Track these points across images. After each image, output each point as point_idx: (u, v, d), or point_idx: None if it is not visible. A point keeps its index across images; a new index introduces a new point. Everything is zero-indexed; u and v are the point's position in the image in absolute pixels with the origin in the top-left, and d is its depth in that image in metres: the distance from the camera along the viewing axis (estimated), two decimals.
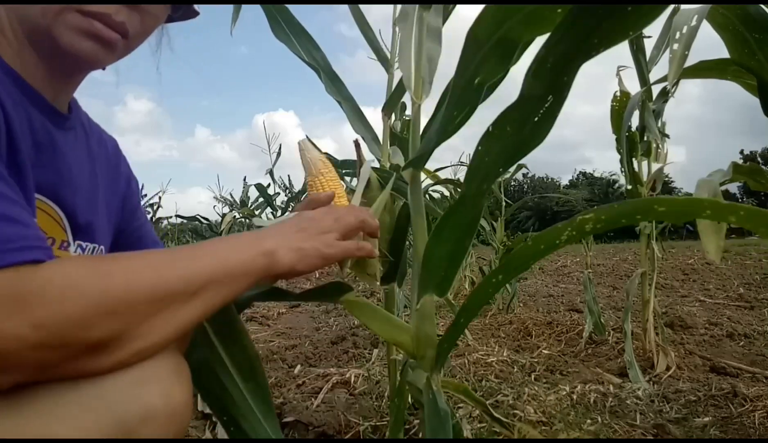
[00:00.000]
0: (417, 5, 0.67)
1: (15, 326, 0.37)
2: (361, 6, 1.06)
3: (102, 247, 0.67)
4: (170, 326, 0.45)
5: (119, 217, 0.75)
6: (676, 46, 0.68)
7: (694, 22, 0.69)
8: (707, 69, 0.98)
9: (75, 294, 0.40)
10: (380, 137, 1.05)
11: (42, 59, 0.56)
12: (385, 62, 1.05)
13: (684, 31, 0.68)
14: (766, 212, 0.35)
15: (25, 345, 0.37)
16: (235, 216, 5.46)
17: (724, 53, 0.86)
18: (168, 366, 0.47)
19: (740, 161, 0.97)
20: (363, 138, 1.02)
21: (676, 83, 1.65)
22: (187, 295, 0.45)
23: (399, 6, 0.73)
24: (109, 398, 0.43)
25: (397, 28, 0.96)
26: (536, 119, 0.43)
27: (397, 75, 1.02)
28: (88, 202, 0.64)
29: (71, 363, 0.41)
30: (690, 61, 0.95)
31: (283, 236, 0.53)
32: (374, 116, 1.06)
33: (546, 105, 0.42)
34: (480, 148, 0.48)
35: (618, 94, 1.65)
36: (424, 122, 0.78)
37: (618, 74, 1.69)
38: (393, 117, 1.43)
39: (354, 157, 0.87)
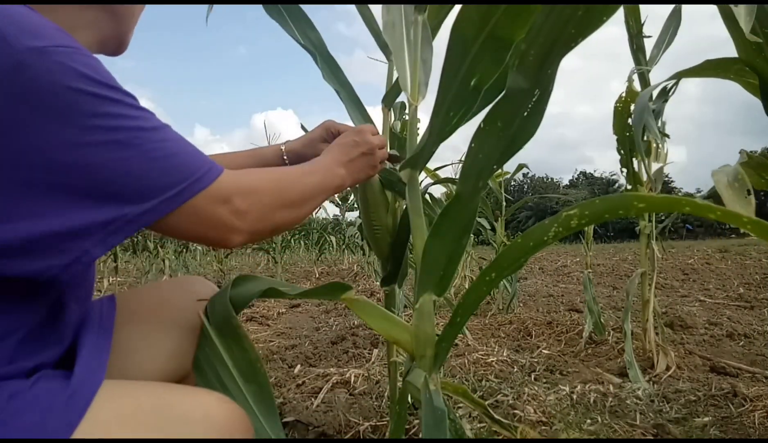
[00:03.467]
0: (413, 7, 0.67)
1: (227, 213, 0.57)
2: None
3: None
4: (307, 213, 0.69)
5: None
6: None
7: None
8: (711, 68, 0.98)
9: (265, 193, 0.61)
10: (380, 131, 1.01)
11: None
12: (386, 49, 0.98)
13: None
14: (740, 214, 0.37)
15: (233, 228, 0.58)
16: None
17: (723, 52, 0.86)
18: (242, 427, 0.56)
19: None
20: None
21: (676, 83, 1.65)
22: (311, 198, 0.69)
23: (385, 14, 0.71)
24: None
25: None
26: (525, 113, 0.44)
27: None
28: None
29: (261, 235, 0.63)
30: (692, 62, 0.95)
31: (350, 165, 0.76)
32: (373, 115, 1.04)
33: (534, 99, 0.43)
34: (473, 145, 0.48)
35: (623, 94, 1.64)
36: (424, 121, 0.78)
37: (630, 77, 1.67)
38: (393, 115, 1.42)
39: None
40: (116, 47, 0.67)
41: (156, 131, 0.53)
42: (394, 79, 0.95)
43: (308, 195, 0.68)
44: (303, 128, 1.11)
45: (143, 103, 0.54)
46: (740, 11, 0.68)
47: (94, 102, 0.48)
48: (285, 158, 0.90)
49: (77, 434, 0.47)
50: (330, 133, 0.89)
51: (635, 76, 1.58)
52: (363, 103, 0.98)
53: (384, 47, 0.97)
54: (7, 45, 0.44)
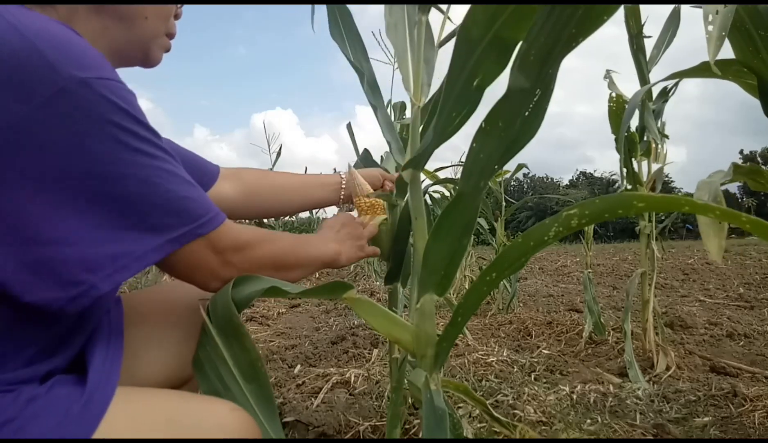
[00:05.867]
0: (416, 8, 0.67)
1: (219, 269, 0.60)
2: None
3: None
4: (294, 277, 0.70)
5: None
6: (711, 27, 0.69)
7: (727, 5, 0.70)
8: (708, 69, 0.98)
9: (257, 252, 0.64)
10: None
11: (115, 65, 0.65)
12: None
13: (717, 13, 0.69)
14: (739, 213, 0.37)
15: (217, 277, 0.61)
16: None
17: (722, 52, 0.86)
18: (255, 436, 0.58)
19: (740, 161, 0.97)
20: (389, 146, 1.00)
21: (676, 84, 1.65)
22: (300, 266, 0.71)
23: (387, 16, 0.71)
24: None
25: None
26: (527, 113, 0.44)
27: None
28: None
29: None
30: (692, 62, 0.95)
31: (341, 243, 0.80)
32: (368, 114, 1.04)
33: (535, 99, 0.43)
34: (474, 145, 0.48)
35: (613, 94, 1.65)
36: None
37: (606, 77, 1.68)
38: (393, 115, 1.42)
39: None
40: (142, 58, 0.67)
41: (173, 173, 0.55)
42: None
43: (301, 262, 0.71)
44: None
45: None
46: (712, 35, 0.68)
47: (127, 136, 0.50)
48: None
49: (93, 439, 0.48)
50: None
51: (631, 73, 1.59)
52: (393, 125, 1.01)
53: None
54: (53, 71, 0.45)
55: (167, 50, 0.71)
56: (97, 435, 0.48)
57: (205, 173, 0.92)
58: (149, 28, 0.66)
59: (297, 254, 0.70)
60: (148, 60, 0.68)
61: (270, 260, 0.66)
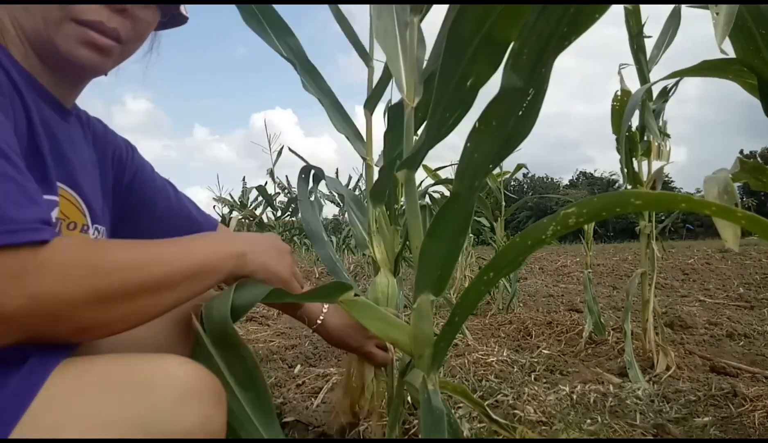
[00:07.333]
0: (408, 9, 0.67)
1: (13, 297, 0.42)
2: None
3: (104, 228, 0.72)
4: (147, 313, 0.52)
5: (115, 194, 0.80)
6: (717, 13, 0.70)
7: None
8: (709, 68, 0.98)
9: (71, 278, 0.45)
10: (364, 135, 0.99)
11: (47, 67, 0.61)
12: (365, 56, 0.97)
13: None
14: (735, 209, 0.37)
15: (19, 313, 0.42)
16: (240, 218, 5.46)
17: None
18: (210, 388, 0.53)
19: None
20: (346, 137, 0.97)
21: (676, 83, 1.65)
22: (167, 288, 0.52)
23: (375, 19, 0.70)
24: (156, 411, 0.48)
25: (376, 42, 0.89)
26: (520, 112, 0.44)
27: (377, 68, 0.95)
28: (94, 186, 0.70)
29: (56, 333, 0.46)
30: (692, 61, 0.95)
31: (255, 247, 0.64)
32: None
33: (528, 98, 0.43)
34: (468, 145, 0.48)
35: (619, 93, 1.65)
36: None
37: (619, 72, 1.68)
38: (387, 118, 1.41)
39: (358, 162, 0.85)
40: (58, 55, 0.58)
41: None
42: (375, 82, 0.94)
43: (166, 281, 0.52)
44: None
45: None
46: (719, 21, 0.68)
47: None
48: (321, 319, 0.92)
49: (32, 410, 0.44)
50: None
51: (631, 73, 1.59)
52: (346, 111, 0.97)
53: (363, 53, 0.97)
54: None
55: (89, 42, 0.58)
56: (35, 405, 0.44)
57: (198, 229, 0.85)
58: (41, 9, 0.56)
59: (154, 277, 0.51)
60: (64, 57, 0.58)
61: (93, 291, 0.46)
